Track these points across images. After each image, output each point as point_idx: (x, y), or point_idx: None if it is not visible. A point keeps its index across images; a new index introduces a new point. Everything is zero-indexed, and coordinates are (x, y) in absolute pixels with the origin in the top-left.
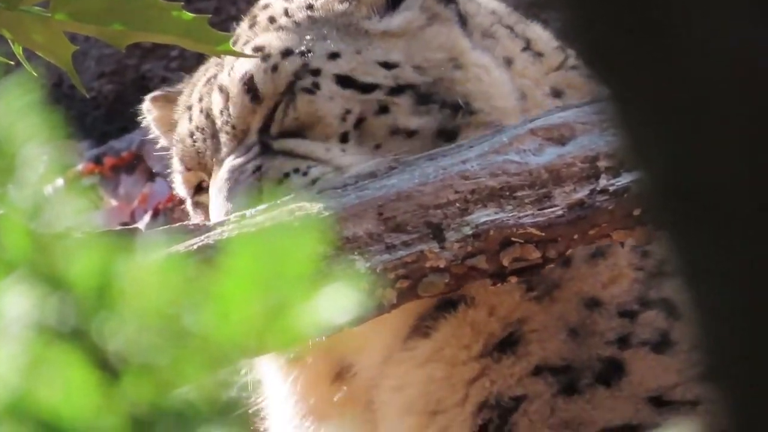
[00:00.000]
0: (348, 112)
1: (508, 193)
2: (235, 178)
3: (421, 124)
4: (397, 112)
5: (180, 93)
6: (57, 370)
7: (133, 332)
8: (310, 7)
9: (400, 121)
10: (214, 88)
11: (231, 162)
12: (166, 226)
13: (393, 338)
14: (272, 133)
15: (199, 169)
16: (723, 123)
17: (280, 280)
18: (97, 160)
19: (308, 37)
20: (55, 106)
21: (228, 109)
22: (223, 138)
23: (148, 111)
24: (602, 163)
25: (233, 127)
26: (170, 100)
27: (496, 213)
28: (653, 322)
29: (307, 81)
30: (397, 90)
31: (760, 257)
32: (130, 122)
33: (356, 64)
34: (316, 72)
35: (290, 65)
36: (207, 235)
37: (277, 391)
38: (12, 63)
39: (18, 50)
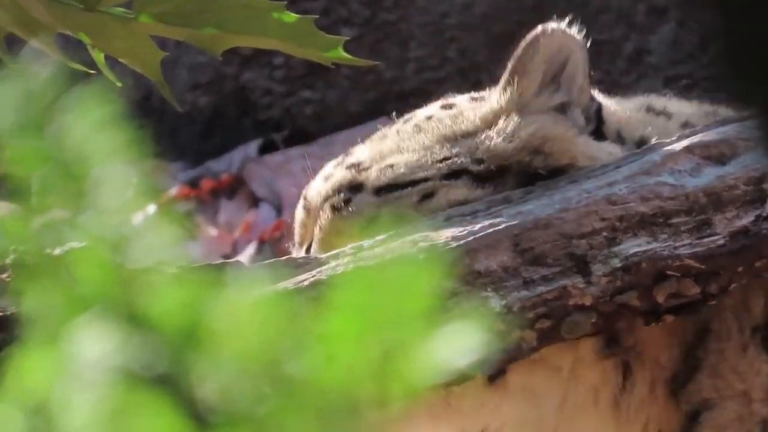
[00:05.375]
0: None
1: (661, 220)
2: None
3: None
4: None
5: None
6: (141, 420)
7: (228, 378)
8: None
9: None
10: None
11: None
12: (272, 260)
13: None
14: None
15: None
16: None
17: (398, 319)
18: (193, 184)
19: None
20: (142, 122)
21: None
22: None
23: None
24: None
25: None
26: None
27: (648, 243)
28: None
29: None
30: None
31: None
32: (229, 140)
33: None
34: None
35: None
36: (319, 269)
37: None
38: (93, 72)
39: (99, 57)
